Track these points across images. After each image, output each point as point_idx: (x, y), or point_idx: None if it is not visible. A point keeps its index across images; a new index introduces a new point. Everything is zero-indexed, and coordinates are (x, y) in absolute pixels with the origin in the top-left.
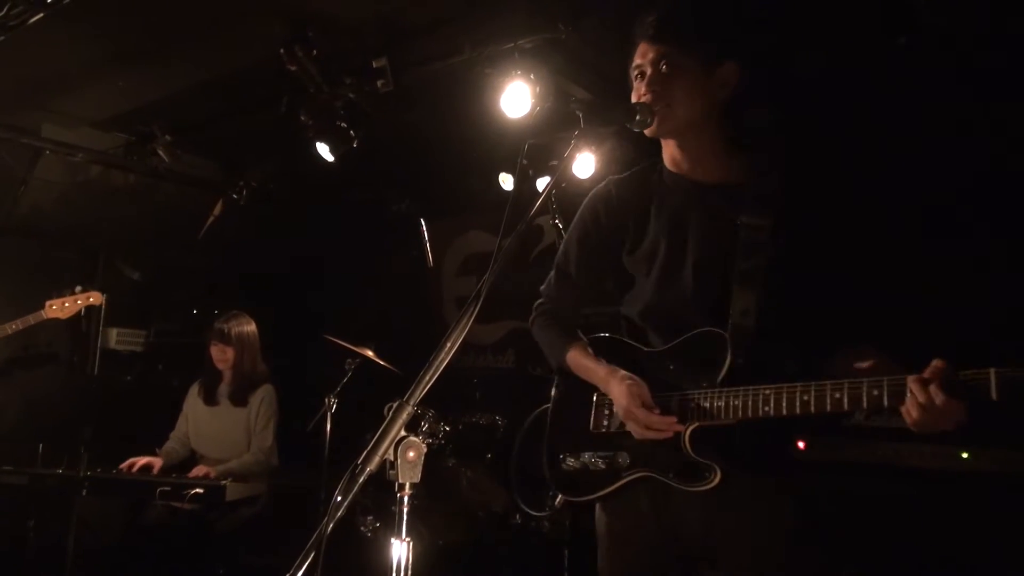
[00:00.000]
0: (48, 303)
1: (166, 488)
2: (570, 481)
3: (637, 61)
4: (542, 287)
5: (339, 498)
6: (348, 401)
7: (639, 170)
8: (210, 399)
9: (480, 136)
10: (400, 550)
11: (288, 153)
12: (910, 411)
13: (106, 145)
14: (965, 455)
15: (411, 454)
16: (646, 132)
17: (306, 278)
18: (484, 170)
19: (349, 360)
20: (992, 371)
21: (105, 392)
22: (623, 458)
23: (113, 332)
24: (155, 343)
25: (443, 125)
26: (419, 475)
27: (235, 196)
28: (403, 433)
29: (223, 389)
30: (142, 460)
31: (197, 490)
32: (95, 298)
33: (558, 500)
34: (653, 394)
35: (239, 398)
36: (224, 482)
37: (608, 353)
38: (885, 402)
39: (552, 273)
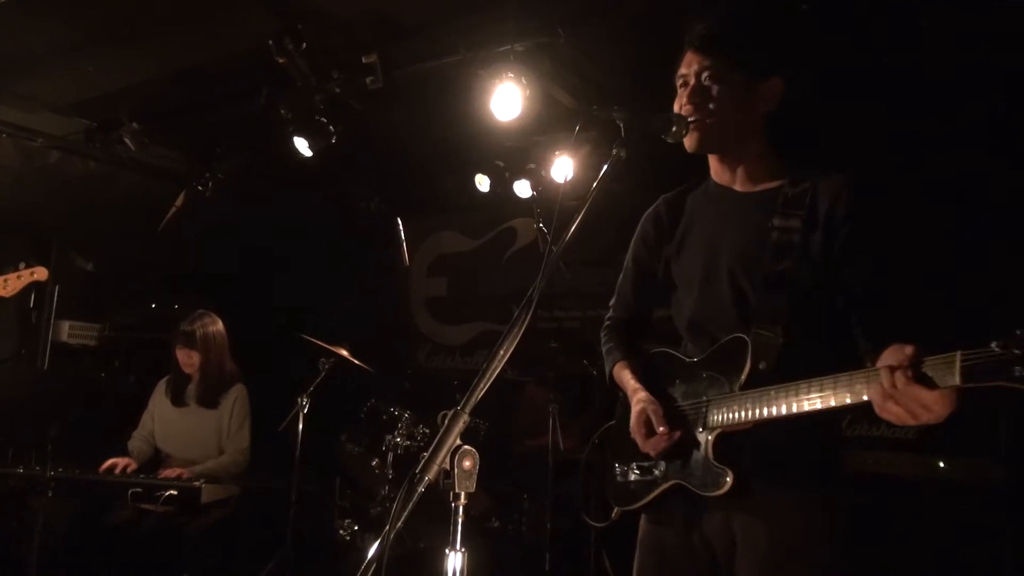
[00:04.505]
0: None
1: (138, 490)
2: (622, 491)
3: (682, 70)
4: (610, 302)
5: (397, 508)
6: (320, 401)
7: (689, 184)
8: (178, 400)
9: (458, 137)
10: (455, 561)
11: (260, 146)
12: (875, 399)
13: (66, 131)
14: (941, 464)
15: (467, 463)
16: (687, 148)
17: (273, 275)
18: (460, 171)
19: (323, 359)
20: (957, 355)
21: (60, 387)
22: (660, 468)
23: (65, 325)
24: (110, 338)
25: (421, 124)
26: (475, 484)
27: (200, 188)
28: (459, 442)
29: (191, 391)
30: (121, 461)
31: (171, 492)
32: (39, 273)
33: (615, 512)
34: (687, 404)
35: (208, 400)
36: (199, 483)
37: (658, 367)
38: (866, 395)
39: (615, 291)
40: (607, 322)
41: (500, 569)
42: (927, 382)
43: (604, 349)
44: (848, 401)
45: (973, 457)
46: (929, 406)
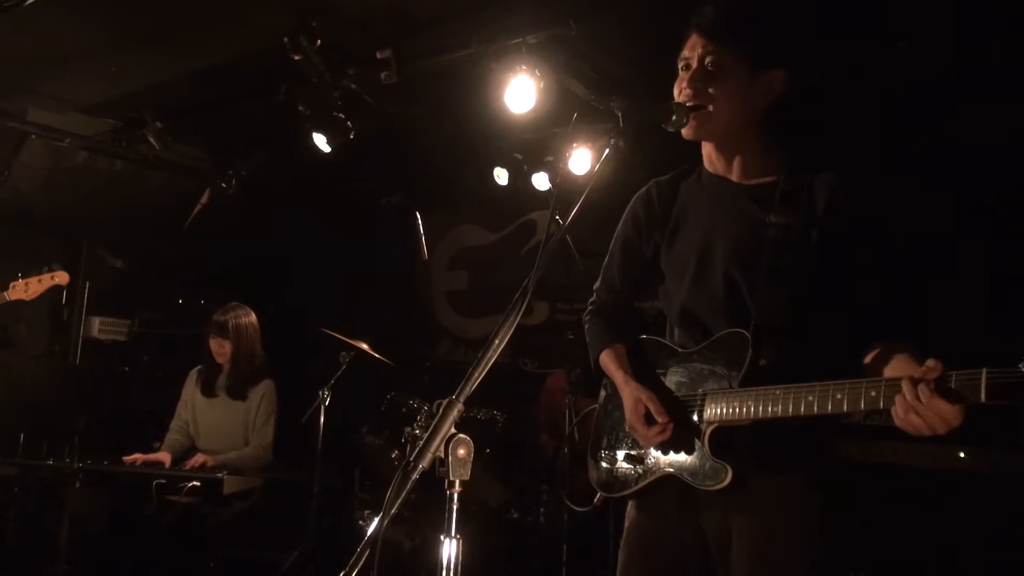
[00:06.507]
0: (12, 284)
1: (162, 481)
2: (607, 478)
3: (685, 52)
4: (595, 286)
5: (391, 495)
6: (342, 394)
7: (680, 171)
8: (208, 390)
9: (476, 130)
10: (450, 548)
11: (281, 143)
12: (897, 411)
13: (93, 130)
14: (962, 454)
15: (461, 451)
16: (683, 134)
17: (295, 270)
18: (478, 164)
19: (343, 353)
20: (983, 372)
21: (91, 382)
22: (651, 457)
23: (96, 321)
24: (140, 333)
25: (439, 118)
26: (469, 472)
27: (224, 186)
28: (453, 430)
29: (222, 381)
30: (148, 457)
31: (194, 483)
32: (60, 278)
33: (597, 497)
34: (681, 395)
35: (237, 392)
36: (221, 475)
37: (647, 355)
38: (881, 403)
39: (600, 274)
40: (591, 305)
41: (518, 560)
42: (951, 396)
43: (589, 333)
44: (862, 407)
45: (994, 447)
46: (949, 420)
